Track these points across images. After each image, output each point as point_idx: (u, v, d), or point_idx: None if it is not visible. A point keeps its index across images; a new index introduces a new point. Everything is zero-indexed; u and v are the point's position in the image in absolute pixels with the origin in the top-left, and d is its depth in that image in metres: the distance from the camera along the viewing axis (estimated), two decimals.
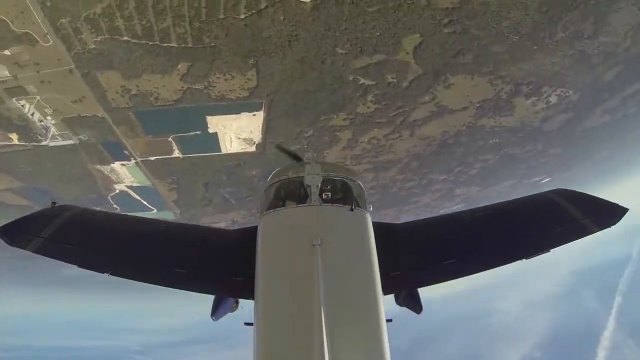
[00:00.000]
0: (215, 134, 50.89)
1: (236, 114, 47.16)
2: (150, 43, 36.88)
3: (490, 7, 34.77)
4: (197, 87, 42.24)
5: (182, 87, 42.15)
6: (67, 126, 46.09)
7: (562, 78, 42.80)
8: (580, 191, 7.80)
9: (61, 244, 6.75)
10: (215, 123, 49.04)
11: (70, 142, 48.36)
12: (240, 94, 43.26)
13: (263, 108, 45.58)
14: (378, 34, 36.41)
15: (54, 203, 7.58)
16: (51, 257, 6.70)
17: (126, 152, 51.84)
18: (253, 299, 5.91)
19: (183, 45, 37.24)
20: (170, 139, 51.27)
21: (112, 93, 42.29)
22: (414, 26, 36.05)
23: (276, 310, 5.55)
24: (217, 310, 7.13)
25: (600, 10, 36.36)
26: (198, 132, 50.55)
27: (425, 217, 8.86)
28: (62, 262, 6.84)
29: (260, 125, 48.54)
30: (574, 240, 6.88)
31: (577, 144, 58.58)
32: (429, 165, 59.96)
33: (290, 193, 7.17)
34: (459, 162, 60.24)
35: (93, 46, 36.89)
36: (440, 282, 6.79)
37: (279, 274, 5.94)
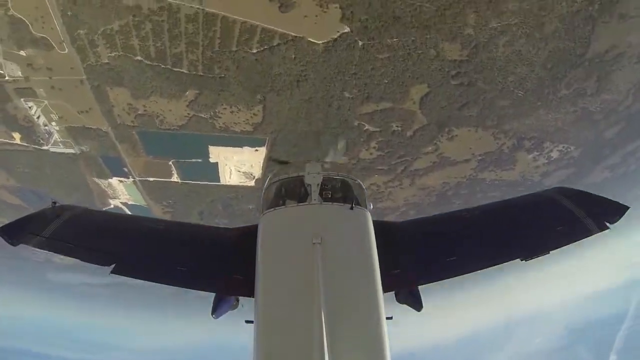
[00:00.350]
0: (216, 164, 50.54)
1: (238, 147, 46.95)
2: (162, 66, 37.31)
3: (497, 62, 34.91)
4: (203, 115, 42.32)
5: (188, 113, 42.26)
6: (70, 135, 46.28)
7: (564, 134, 43.07)
8: (580, 189, 7.81)
9: (62, 243, 6.77)
10: (217, 153, 48.76)
11: (72, 151, 48.42)
12: (244, 127, 43.19)
13: (266, 145, 45.32)
14: (386, 81, 36.59)
15: (55, 203, 7.56)
16: (53, 252, 6.88)
17: (125, 169, 51.63)
18: (253, 297, 5.87)
19: (193, 73, 37.60)
20: (170, 163, 51.04)
21: (119, 109, 42.61)
22: (422, 76, 36.18)
23: (276, 308, 5.54)
24: (217, 308, 7.03)
25: (603, 68, 36.57)
26: (199, 160, 50.28)
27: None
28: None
29: (262, 162, 48.07)
30: (574, 241, 6.78)
31: None
32: (426, 209, 58.60)
33: (291, 192, 7.26)
34: None
35: (106, 61, 37.47)
36: (441, 279, 6.77)
37: (279, 272, 5.93)
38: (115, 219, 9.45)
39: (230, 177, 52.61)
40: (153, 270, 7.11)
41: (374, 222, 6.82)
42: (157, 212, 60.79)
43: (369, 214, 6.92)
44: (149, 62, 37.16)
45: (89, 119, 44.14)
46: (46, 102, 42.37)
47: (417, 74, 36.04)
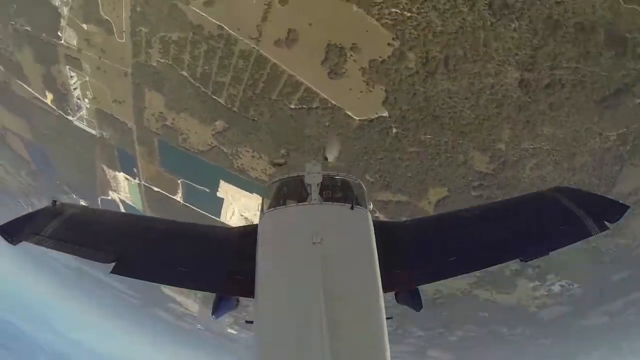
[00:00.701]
0: (222, 200, 48.62)
1: (249, 192, 44.91)
2: (203, 89, 36.71)
3: (522, 183, 33.04)
4: (225, 150, 41.14)
5: (211, 142, 41.22)
6: (97, 117, 46.07)
7: (570, 269, 41.23)
8: (580, 188, 7.72)
9: (62, 242, 6.68)
10: (226, 190, 47.06)
11: (92, 132, 48.09)
12: (260, 175, 41.47)
13: None
14: (409, 175, 35.03)
15: (55, 201, 7.32)
16: (54, 249, 6.73)
17: (135, 169, 50.66)
18: (253, 297, 5.81)
19: (229, 106, 36.78)
20: (179, 181, 49.62)
21: (150, 113, 42.21)
22: (445, 179, 34.59)
23: (276, 308, 5.48)
24: (217, 309, 6.91)
25: None
26: (207, 190, 48.70)
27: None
28: None
29: None
30: (574, 242, 6.68)
31: (569, 339, 54.48)
32: (411, 317, 54.02)
33: (291, 192, 7.11)
34: (441, 324, 55.53)
35: (155, 64, 37.36)
36: (441, 279, 6.91)
37: (280, 272, 5.88)
38: (116, 218, 9.11)
39: (230, 218, 50.30)
40: (153, 270, 7.01)
41: (375, 222, 6.72)
42: None
43: (369, 213, 6.83)
44: (192, 81, 36.69)
45: (119, 110, 43.84)
46: (87, 78, 42.47)
47: (441, 176, 34.49)
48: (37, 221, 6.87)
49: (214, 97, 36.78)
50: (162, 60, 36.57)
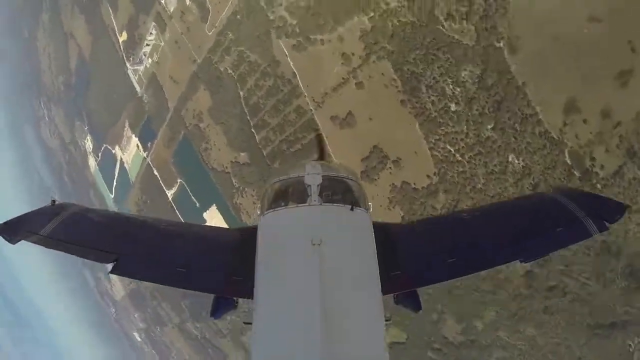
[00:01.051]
0: (205, 222, 45.49)
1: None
2: (248, 117, 35.39)
3: None
4: (235, 182, 39.30)
5: (226, 167, 39.43)
6: (148, 80, 45.15)
7: None
8: (578, 189, 7.92)
9: (61, 241, 6.42)
10: (212, 216, 44.24)
11: (137, 89, 47.15)
12: (248, 222, 38.36)
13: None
14: None
15: (54, 201, 6.98)
16: (52, 249, 6.39)
17: (150, 144, 48.93)
18: (252, 299, 5.67)
19: (260, 146, 35.04)
20: (179, 181, 47.44)
21: (191, 107, 40.95)
22: (409, 327, 31.66)
23: (275, 310, 5.33)
24: (216, 310, 6.49)
25: None
26: (197, 204, 46.34)
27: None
28: None
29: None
30: (574, 242, 6.70)
31: None
32: None
33: (291, 192, 6.84)
34: None
35: (222, 69, 36.27)
36: (441, 281, 6.71)
37: (279, 273, 5.73)
38: (115, 217, 8.14)
39: None
40: (152, 270, 6.61)
41: (374, 224, 6.47)
42: (132, 199, 56.81)
43: (369, 215, 6.60)
44: (243, 104, 35.27)
45: (169, 87, 42.88)
46: (162, 44, 41.89)
47: (405, 324, 31.81)
48: (36, 220, 6.72)
49: (253, 130, 34.83)
50: (230, 71, 35.27)
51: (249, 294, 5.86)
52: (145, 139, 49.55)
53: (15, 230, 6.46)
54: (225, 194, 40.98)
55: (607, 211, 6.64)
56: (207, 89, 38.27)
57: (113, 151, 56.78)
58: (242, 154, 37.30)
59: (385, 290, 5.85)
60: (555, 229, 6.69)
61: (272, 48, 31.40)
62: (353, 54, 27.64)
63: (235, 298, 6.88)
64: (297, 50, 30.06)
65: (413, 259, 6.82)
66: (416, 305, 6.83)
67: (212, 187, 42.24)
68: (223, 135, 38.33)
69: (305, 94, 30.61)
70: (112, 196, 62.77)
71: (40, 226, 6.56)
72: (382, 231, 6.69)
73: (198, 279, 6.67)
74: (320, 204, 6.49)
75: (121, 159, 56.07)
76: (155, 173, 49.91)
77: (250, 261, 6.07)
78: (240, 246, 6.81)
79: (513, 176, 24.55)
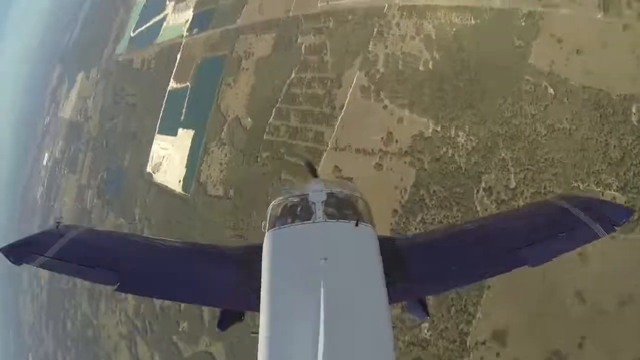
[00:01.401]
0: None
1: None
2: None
3: None
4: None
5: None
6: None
7: None
8: (582, 194, 9.65)
9: (65, 263, 6.59)
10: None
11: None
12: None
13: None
14: None
15: (59, 223, 7.24)
16: (57, 273, 6.81)
17: (195, 31, 46.96)
18: (258, 312, 5.77)
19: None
20: (188, 85, 45.32)
21: (249, 44, 39.11)
22: None
23: (281, 324, 5.47)
24: (223, 321, 7.05)
25: None
26: (181, 119, 44.79)
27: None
28: None
29: None
30: (581, 245, 6.83)
31: None
32: None
33: (296, 210, 7.05)
34: None
35: (300, 40, 34.40)
36: (448, 290, 8.27)
37: (285, 291, 5.82)
38: (119, 238, 8.46)
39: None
40: (158, 288, 7.01)
41: (380, 237, 6.60)
42: (142, 54, 54.20)
43: (374, 230, 6.66)
44: (287, 82, 33.66)
45: (250, 10, 40.64)
46: None
47: None
48: (41, 242, 6.81)
49: (274, 109, 33.46)
50: (302, 49, 33.52)
51: (255, 307, 5.89)
52: (196, 24, 47.26)
53: (20, 252, 6.59)
54: (210, 132, 39.48)
55: (612, 214, 6.85)
56: (273, 41, 36.55)
57: (167, 2, 53.92)
58: (248, 119, 36.09)
59: (392, 300, 5.98)
60: (562, 234, 6.83)
61: (348, 68, 29.88)
62: (397, 141, 26.38)
63: (241, 311, 7.31)
64: (362, 92, 28.60)
65: (420, 270, 6.88)
66: (424, 313, 7.10)
67: (204, 116, 40.62)
68: (250, 88, 36.90)
69: (335, 129, 29.29)
70: (132, 35, 60.09)
71: (46, 248, 6.65)
72: (388, 244, 6.81)
73: (203, 295, 6.99)
74: (325, 221, 6.53)
75: (166, 15, 53.34)
76: (178, 56, 47.66)
77: (257, 277, 6.12)
78: (245, 262, 6.89)
79: None
